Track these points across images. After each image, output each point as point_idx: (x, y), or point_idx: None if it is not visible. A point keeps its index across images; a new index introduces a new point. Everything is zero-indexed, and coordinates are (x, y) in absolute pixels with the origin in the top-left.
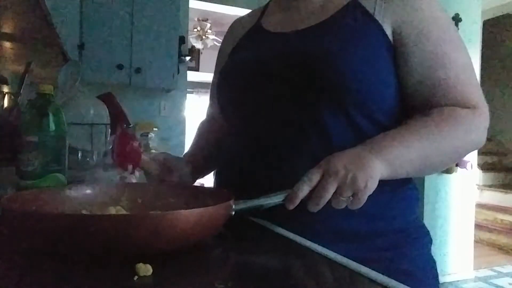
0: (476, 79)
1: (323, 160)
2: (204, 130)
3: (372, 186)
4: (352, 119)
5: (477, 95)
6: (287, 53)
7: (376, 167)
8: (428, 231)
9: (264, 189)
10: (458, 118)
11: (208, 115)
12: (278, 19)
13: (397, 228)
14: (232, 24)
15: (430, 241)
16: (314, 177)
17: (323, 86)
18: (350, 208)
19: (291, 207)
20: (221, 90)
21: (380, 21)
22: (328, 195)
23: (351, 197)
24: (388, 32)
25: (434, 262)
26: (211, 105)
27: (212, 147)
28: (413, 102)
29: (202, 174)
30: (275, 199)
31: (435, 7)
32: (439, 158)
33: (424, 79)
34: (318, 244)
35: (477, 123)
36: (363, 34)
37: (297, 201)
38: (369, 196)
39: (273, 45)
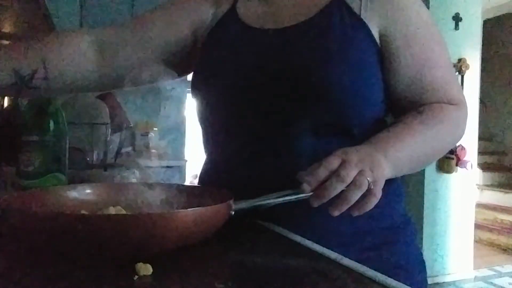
0: (456, 75)
1: (338, 150)
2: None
3: (382, 185)
4: (337, 126)
5: (460, 92)
6: (269, 57)
7: (385, 168)
8: (413, 222)
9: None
10: (447, 115)
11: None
12: (256, 10)
13: (385, 226)
14: None
15: (415, 231)
16: (334, 161)
17: (309, 96)
18: (362, 205)
19: (308, 190)
20: (200, 91)
21: (367, 23)
22: (349, 180)
23: (370, 184)
24: (376, 34)
25: (420, 252)
26: (114, 29)
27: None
28: (402, 103)
29: None
30: (275, 199)
31: (417, 3)
32: (431, 154)
33: (413, 82)
34: (318, 244)
35: (462, 118)
36: (352, 40)
37: (315, 184)
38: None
39: (253, 44)
